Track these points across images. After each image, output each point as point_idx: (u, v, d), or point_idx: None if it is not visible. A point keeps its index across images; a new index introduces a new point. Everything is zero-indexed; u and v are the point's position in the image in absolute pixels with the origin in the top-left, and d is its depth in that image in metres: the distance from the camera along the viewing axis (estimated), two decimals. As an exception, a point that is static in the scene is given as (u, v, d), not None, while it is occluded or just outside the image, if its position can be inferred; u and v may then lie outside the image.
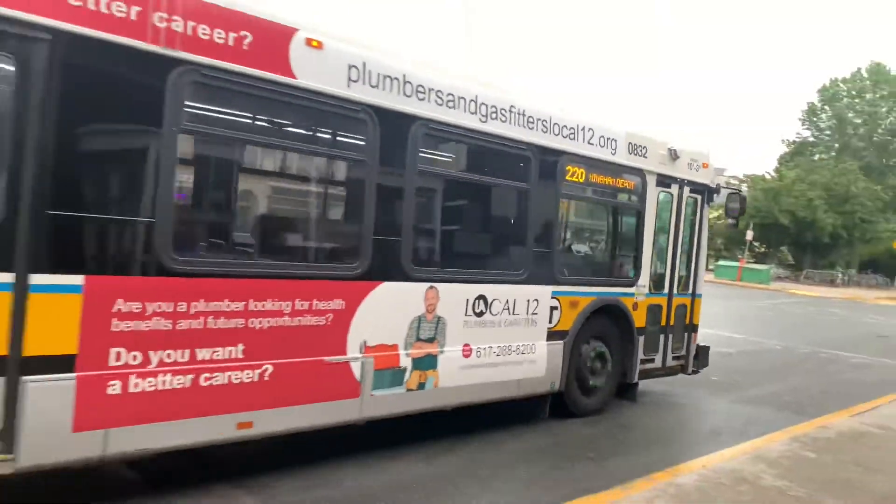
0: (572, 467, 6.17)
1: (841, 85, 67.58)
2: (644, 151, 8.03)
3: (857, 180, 55.29)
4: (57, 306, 4.10)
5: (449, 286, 6.13)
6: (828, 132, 68.37)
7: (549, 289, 7.01)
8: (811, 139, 68.90)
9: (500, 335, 6.57)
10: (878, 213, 55.86)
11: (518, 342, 6.74)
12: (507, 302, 6.62)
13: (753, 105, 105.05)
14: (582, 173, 7.33)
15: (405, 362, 5.84)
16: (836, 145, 67.12)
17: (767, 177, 60.98)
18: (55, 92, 4.05)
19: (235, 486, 5.08)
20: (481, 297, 6.39)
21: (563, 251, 7.61)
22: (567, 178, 7.16)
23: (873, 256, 58.32)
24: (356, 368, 5.51)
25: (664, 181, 8.38)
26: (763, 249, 60.58)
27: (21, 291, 3.98)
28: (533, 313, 6.86)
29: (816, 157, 65.75)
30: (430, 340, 6.03)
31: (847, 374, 12.65)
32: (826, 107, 67.62)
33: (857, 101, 66.73)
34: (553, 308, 7.06)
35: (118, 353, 4.33)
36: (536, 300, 6.88)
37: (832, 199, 53.37)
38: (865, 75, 66.70)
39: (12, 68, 3.99)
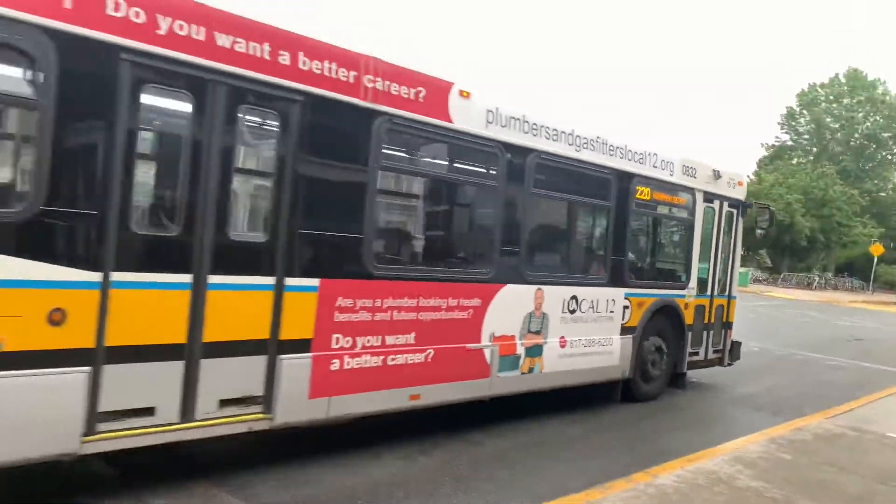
0: (552, 467, 6.24)
1: (819, 90, 68.67)
2: (694, 172, 9.43)
3: (835, 184, 56.22)
4: (302, 302, 5.37)
5: (551, 288, 7.46)
6: (806, 136, 69.35)
7: (623, 291, 8.37)
8: (790, 143, 69.89)
9: (586, 329, 7.91)
10: (855, 217, 56.79)
11: (599, 335, 8.09)
12: (592, 301, 7.97)
13: (733, 108, 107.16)
14: (648, 192, 8.70)
15: (520, 350, 7.17)
16: (815, 149, 68.13)
17: (747, 180, 62.16)
18: (303, 139, 5.32)
19: (216, 484, 5.13)
20: (574, 297, 7.73)
21: (633, 258, 8.97)
22: (637, 196, 8.53)
23: (850, 260, 59.17)
24: (487, 354, 6.83)
25: (709, 198, 9.79)
26: (742, 252, 62.21)
27: (279, 291, 5.25)
28: (610, 311, 8.22)
29: (795, 160, 66.42)
30: (537, 333, 7.35)
31: (823, 376, 12.81)
32: (805, 111, 68.60)
33: (834, 106, 67.71)
34: (625, 307, 8.42)
35: (337, 339, 5.61)
36: (613, 300, 8.24)
37: (810, 202, 53.87)
38: (843, 81, 67.68)
39: (276, 123, 5.26)
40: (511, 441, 6.89)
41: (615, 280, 8.28)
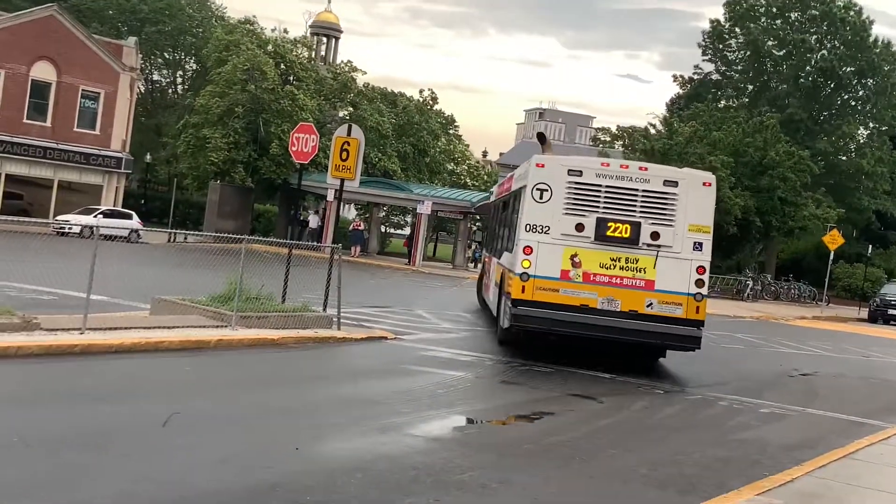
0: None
1: (758, -3, 45.92)
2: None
3: (778, 141, 38.39)
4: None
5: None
6: (738, 67, 48.25)
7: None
8: (715, 77, 49.18)
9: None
10: (805, 191, 38.52)
11: None
12: None
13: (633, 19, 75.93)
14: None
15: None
16: (750, 88, 47.87)
17: (652, 131, 42.98)
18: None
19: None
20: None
21: None
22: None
23: (797, 255, 43.51)
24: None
25: None
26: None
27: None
28: None
29: (722, 103, 47.58)
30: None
31: (754, 431, 9.37)
32: (736, 29, 46.90)
33: (778, 23, 46.37)
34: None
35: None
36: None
37: (743, 168, 37.64)
38: (790, -14, 44.94)
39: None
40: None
41: None
